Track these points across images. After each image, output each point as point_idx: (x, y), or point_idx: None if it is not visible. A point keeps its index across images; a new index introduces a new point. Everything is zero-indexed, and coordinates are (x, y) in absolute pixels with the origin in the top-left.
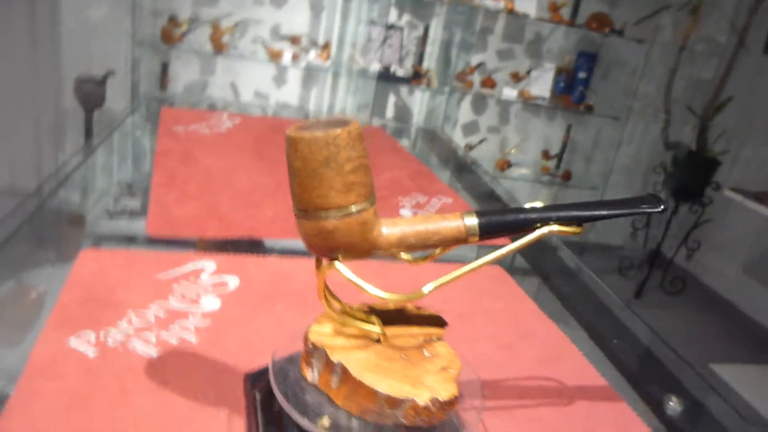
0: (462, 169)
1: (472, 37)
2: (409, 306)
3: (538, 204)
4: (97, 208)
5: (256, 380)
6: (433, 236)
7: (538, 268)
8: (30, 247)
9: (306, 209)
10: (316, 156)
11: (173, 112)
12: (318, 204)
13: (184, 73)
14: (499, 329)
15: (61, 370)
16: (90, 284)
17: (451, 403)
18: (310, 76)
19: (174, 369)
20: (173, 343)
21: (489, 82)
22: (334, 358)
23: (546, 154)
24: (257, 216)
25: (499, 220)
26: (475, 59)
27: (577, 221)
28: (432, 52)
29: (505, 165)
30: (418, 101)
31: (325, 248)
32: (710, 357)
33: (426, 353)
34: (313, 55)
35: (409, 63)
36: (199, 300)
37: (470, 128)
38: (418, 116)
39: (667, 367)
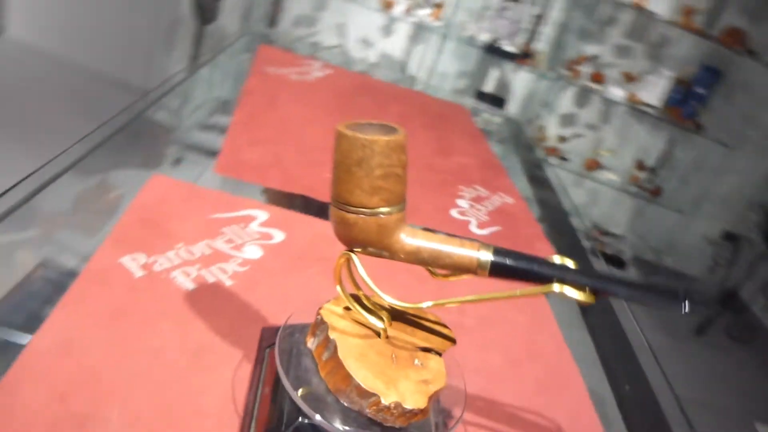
0: (539, 167)
1: (592, 25)
2: (430, 314)
3: (569, 262)
4: (191, 117)
5: (271, 336)
6: (445, 258)
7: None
8: (123, 148)
9: (335, 198)
10: (351, 154)
11: (270, 50)
12: (344, 197)
13: (296, 4)
14: (514, 343)
15: (109, 281)
16: (152, 210)
17: (414, 414)
18: (418, 32)
19: (203, 306)
20: (209, 282)
21: (598, 77)
22: (332, 335)
23: (640, 165)
24: (318, 175)
25: (513, 266)
26: (589, 49)
27: (592, 290)
28: (546, 33)
29: (594, 165)
30: (520, 81)
31: (345, 238)
32: (761, 416)
33: (416, 362)
34: (425, 12)
35: (520, 40)
36: (243, 247)
37: (568, 120)
38: (516, 96)
39: (671, 427)
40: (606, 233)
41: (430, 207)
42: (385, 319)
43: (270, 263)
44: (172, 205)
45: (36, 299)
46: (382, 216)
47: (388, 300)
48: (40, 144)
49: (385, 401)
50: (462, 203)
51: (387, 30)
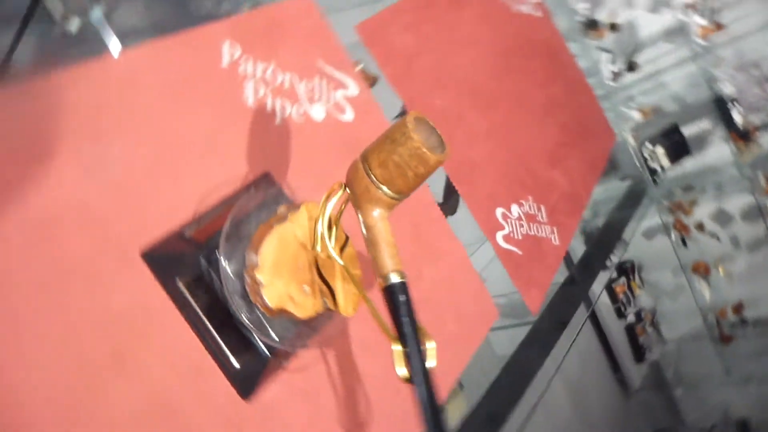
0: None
1: None
2: (359, 280)
3: (432, 358)
4: None
5: (263, 183)
6: (373, 249)
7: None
8: None
9: (367, 146)
10: (394, 131)
11: None
12: (367, 149)
13: None
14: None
15: (201, 53)
16: (278, 21)
17: (261, 301)
18: (674, 32)
19: (247, 124)
20: (266, 108)
21: None
22: (289, 217)
23: (738, 307)
24: (427, 97)
25: (392, 305)
26: None
27: (409, 379)
28: None
29: (701, 270)
30: (716, 150)
31: (347, 173)
32: None
33: (306, 288)
34: (699, 21)
35: (754, 118)
36: (314, 102)
37: (721, 217)
38: (695, 161)
39: None
40: (655, 326)
41: (485, 192)
42: (327, 247)
43: (321, 131)
44: (295, 29)
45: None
46: (372, 185)
47: (325, 237)
48: None
49: (257, 274)
50: (514, 210)
51: (653, 7)
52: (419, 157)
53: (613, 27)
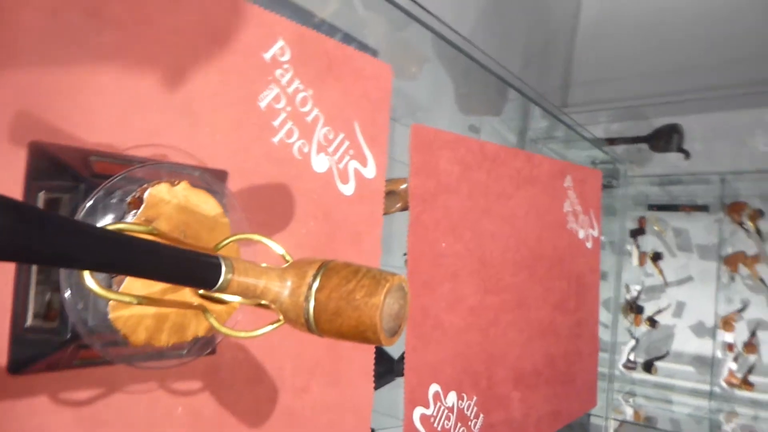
0: None
1: None
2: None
3: None
4: None
5: (210, 176)
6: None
7: None
8: None
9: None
10: (380, 274)
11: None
12: (340, 264)
13: None
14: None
15: (252, 33)
16: (350, 60)
17: None
18: (703, 365)
19: (245, 118)
20: (274, 121)
21: None
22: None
23: None
24: (436, 240)
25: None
26: None
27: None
28: None
29: None
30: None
31: (306, 259)
32: None
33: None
34: (731, 367)
35: None
36: (323, 152)
37: None
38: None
39: None
40: None
41: (432, 361)
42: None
43: (310, 182)
44: (356, 81)
45: None
46: (309, 286)
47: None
48: None
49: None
50: (450, 398)
51: (698, 330)
52: (370, 309)
53: (652, 323)
